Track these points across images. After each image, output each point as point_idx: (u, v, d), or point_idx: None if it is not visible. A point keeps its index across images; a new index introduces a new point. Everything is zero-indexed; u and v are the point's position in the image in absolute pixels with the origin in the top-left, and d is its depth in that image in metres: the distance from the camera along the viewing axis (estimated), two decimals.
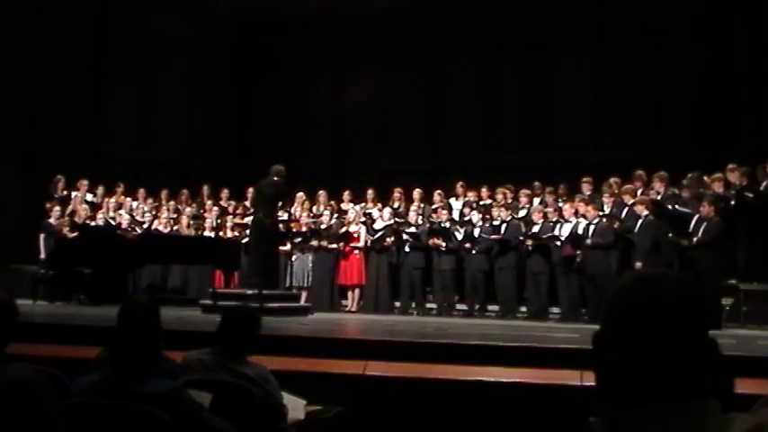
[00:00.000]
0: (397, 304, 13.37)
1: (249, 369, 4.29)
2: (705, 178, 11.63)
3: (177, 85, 18.82)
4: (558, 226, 12.11)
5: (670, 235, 10.72)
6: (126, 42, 18.14)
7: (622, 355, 1.41)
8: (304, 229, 13.68)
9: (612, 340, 1.43)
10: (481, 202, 13.78)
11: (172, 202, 15.21)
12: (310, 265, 13.56)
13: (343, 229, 13.46)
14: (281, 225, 12.88)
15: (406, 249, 13.27)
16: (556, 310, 12.15)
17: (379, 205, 14.24)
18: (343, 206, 14.48)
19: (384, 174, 17.13)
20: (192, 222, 14.56)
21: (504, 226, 12.63)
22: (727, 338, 7.95)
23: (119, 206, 14.59)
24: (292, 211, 14.05)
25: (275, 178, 11.65)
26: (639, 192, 11.76)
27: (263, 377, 4.29)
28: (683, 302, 1.41)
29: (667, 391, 1.37)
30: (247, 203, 14.45)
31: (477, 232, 12.76)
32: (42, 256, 13.52)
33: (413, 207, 13.71)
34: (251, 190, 13.76)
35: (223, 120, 19.38)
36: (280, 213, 13.22)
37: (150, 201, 15.25)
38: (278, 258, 12.78)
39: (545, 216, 12.42)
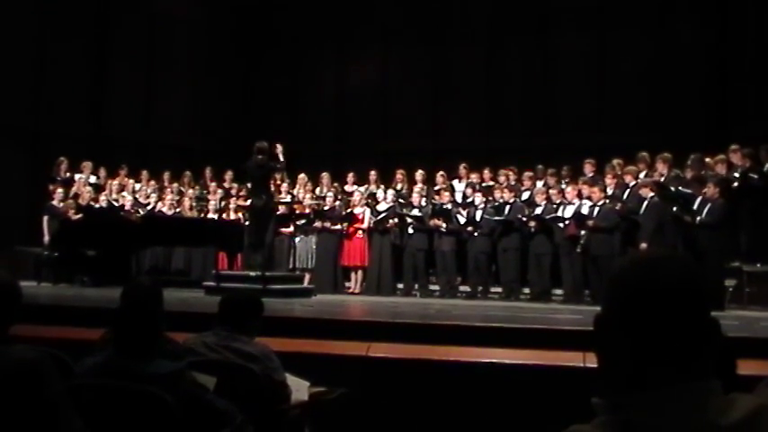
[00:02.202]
0: (400, 286, 13.38)
1: (252, 347, 4.31)
2: (708, 160, 11.61)
3: (180, 66, 18.78)
4: (561, 208, 12.10)
5: (674, 209, 10.69)
6: (129, 24, 18.11)
7: (623, 338, 1.40)
8: (307, 210, 13.68)
9: (613, 322, 1.43)
10: (483, 184, 13.77)
11: (175, 184, 15.21)
12: (314, 246, 13.57)
13: (348, 211, 13.45)
14: (282, 207, 12.91)
15: (410, 231, 13.27)
16: (559, 291, 12.14)
17: (383, 187, 14.24)
18: (348, 188, 14.48)
19: (387, 155, 17.12)
20: (194, 204, 14.57)
21: (507, 207, 12.61)
22: (730, 320, 7.97)
23: (121, 188, 14.60)
24: (295, 192, 14.06)
25: (259, 156, 11.58)
26: (643, 174, 11.74)
27: (265, 355, 4.31)
28: (683, 283, 1.41)
29: (669, 373, 1.37)
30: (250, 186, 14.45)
31: (479, 215, 12.74)
32: (46, 238, 13.53)
33: (416, 189, 13.68)
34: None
35: (226, 102, 19.35)
36: (282, 194, 13.24)
37: (153, 183, 15.24)
38: (273, 239, 12.78)
39: (548, 198, 12.40)
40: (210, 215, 14.27)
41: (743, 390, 1.47)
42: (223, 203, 14.53)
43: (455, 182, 14.17)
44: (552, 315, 8.94)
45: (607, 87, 17.13)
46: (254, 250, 11.84)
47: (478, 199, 12.98)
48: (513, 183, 13.35)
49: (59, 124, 16.73)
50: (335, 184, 14.49)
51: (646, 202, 10.94)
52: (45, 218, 13.74)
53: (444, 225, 12.85)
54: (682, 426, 1.33)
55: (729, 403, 1.36)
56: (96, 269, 12.77)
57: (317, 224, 13.52)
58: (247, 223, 13.07)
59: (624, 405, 1.37)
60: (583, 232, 11.52)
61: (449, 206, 13.08)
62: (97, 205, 13.89)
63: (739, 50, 15.81)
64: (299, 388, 4.63)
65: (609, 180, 12.05)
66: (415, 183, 13.95)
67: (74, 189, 14.26)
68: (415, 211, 13.24)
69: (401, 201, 13.69)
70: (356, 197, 13.64)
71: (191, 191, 15.01)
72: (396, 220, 13.38)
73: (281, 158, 12.05)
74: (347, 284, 13.58)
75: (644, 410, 1.35)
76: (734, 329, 6.67)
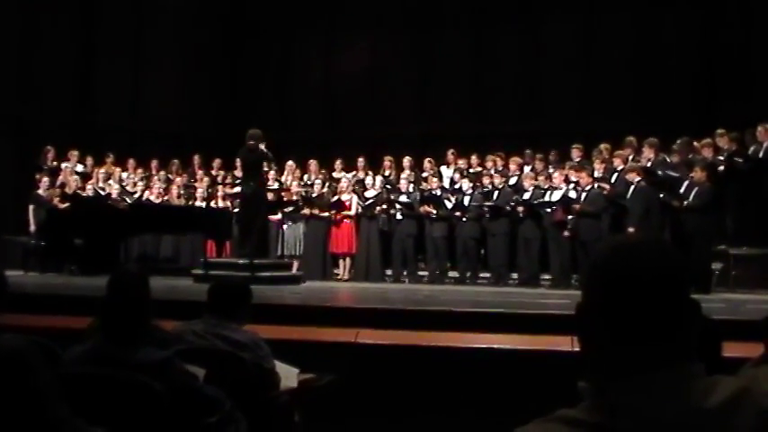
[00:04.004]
0: (389, 272, 13.38)
1: (241, 335, 4.31)
2: (695, 143, 11.67)
3: (168, 53, 18.66)
4: (549, 193, 12.11)
5: (662, 195, 10.75)
6: (116, 10, 17.97)
7: (604, 323, 1.41)
8: (295, 197, 13.66)
9: (593, 308, 1.43)
10: (471, 170, 13.77)
11: (162, 172, 15.15)
12: (302, 233, 13.55)
13: (336, 198, 13.44)
14: (270, 194, 12.90)
15: (398, 217, 13.26)
16: (547, 276, 12.18)
17: (371, 173, 14.22)
18: (336, 175, 14.46)
19: (375, 142, 17.08)
20: (182, 192, 14.53)
21: (495, 193, 12.62)
22: (716, 302, 8.03)
23: (108, 176, 14.53)
24: (283, 179, 14.04)
25: (251, 142, 11.58)
26: (630, 158, 11.78)
27: (255, 343, 4.31)
28: (661, 267, 1.42)
29: (651, 357, 1.38)
30: (237, 173, 14.43)
31: (467, 200, 12.75)
32: (32, 227, 13.47)
33: (403, 175, 13.68)
34: (238, 160, 13.79)
35: (214, 89, 19.25)
36: (270, 182, 13.22)
37: (140, 171, 15.18)
38: (265, 225, 12.78)
39: (536, 183, 12.41)
40: (198, 203, 14.24)
41: (728, 372, 1.48)
42: (210, 191, 14.50)
43: (443, 168, 14.16)
44: (540, 300, 8.98)
45: (594, 72, 17.13)
46: (243, 238, 11.83)
47: (466, 185, 12.98)
48: (500, 168, 13.36)
49: (46, 112, 16.63)
50: (323, 171, 14.46)
51: (632, 187, 10.98)
52: (31, 207, 13.67)
53: (435, 212, 12.85)
54: (666, 409, 1.34)
55: (712, 386, 1.37)
56: (84, 258, 12.74)
57: (305, 211, 13.50)
58: (236, 210, 13.08)
59: (609, 389, 1.38)
60: (570, 216, 11.55)
61: (437, 192, 13.08)
62: (84, 194, 13.83)
63: (726, 35, 15.84)
64: (289, 375, 4.64)
65: (597, 165, 12.08)
66: (403, 169, 13.94)
67: (60, 178, 14.19)
68: (403, 198, 13.23)
69: (388, 187, 13.68)
70: (343, 184, 13.62)
71: (178, 179, 14.96)
72: (384, 206, 13.37)
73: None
74: (336, 271, 13.58)
75: (628, 394, 1.36)
76: (720, 312, 6.71)
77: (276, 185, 13.62)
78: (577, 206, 11.43)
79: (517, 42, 17.84)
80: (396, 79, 18.64)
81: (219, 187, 14.52)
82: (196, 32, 19.08)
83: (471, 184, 12.96)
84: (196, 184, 14.73)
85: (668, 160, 11.47)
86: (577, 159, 12.69)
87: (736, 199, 11.37)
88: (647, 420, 1.34)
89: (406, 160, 14.06)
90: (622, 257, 1.43)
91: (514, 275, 12.47)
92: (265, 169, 12.72)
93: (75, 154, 14.82)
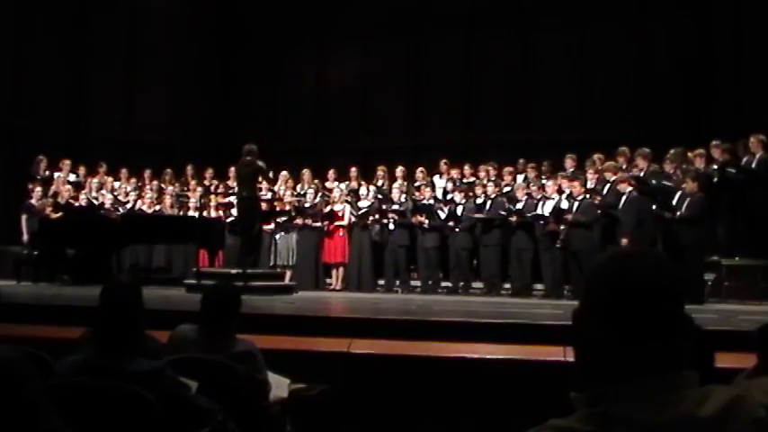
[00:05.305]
0: (381, 282, 13.37)
1: (235, 346, 4.30)
2: (688, 154, 11.70)
3: (160, 63, 18.66)
4: (542, 203, 12.12)
5: (654, 207, 10.78)
6: (108, 20, 17.97)
7: (600, 332, 1.42)
8: (288, 207, 13.66)
9: (590, 317, 1.44)
10: (464, 180, 13.77)
11: (155, 182, 15.13)
12: (295, 243, 13.54)
13: (328, 208, 13.43)
14: (263, 204, 12.91)
15: (391, 227, 13.26)
16: (539, 286, 12.18)
17: (364, 183, 14.22)
18: (328, 185, 14.46)
19: (368, 152, 17.10)
20: (175, 202, 14.51)
21: (488, 203, 12.62)
22: (708, 313, 8.05)
23: (101, 186, 14.51)
24: (276, 189, 14.03)
25: (248, 158, 11.66)
26: (623, 168, 11.80)
27: (249, 354, 4.30)
28: (657, 279, 1.43)
29: (645, 366, 1.39)
30: (229, 183, 14.45)
31: (460, 210, 12.76)
32: (24, 237, 13.44)
33: (395, 185, 13.68)
34: (232, 169, 13.83)
35: (207, 98, 19.25)
36: (263, 192, 13.22)
37: (133, 180, 15.15)
38: (261, 236, 12.79)
39: (528, 193, 12.42)
40: (191, 212, 14.22)
41: (721, 382, 1.49)
42: (203, 201, 14.49)
43: (436, 178, 14.17)
44: (533, 310, 8.98)
45: (587, 82, 17.18)
46: (242, 249, 11.88)
47: (459, 196, 12.99)
48: (493, 178, 13.36)
49: (38, 122, 16.60)
50: (316, 181, 14.45)
51: (624, 197, 10.99)
52: (23, 216, 13.64)
53: (427, 222, 12.85)
54: (659, 417, 1.35)
55: (706, 395, 1.38)
56: (76, 267, 12.71)
57: (298, 221, 13.50)
58: (230, 220, 13.11)
59: (602, 398, 1.39)
60: (562, 227, 11.56)
61: (430, 202, 13.09)
62: (77, 203, 13.81)
63: (719, 45, 15.91)
64: (280, 385, 4.62)
65: (590, 175, 12.10)
66: (395, 179, 13.95)
67: (53, 187, 14.17)
68: (396, 207, 13.22)
69: (380, 197, 13.68)
70: (336, 194, 13.62)
71: (170, 188, 14.94)
72: (377, 216, 13.36)
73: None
74: (328, 281, 13.57)
75: (622, 402, 1.37)
76: (712, 323, 6.73)
77: (269, 195, 13.61)
78: (569, 216, 11.44)
79: (509, 52, 17.87)
80: (389, 89, 18.66)
81: (212, 197, 14.51)
82: (189, 43, 19.10)
83: (463, 195, 12.96)
84: (189, 194, 14.71)
85: (660, 171, 11.50)
86: (571, 169, 12.71)
87: (728, 210, 11.41)
88: (640, 429, 1.34)
89: (399, 170, 14.06)
90: (620, 268, 1.45)
91: (507, 286, 12.48)
92: (261, 180, 12.78)
93: (67, 163, 14.79)
